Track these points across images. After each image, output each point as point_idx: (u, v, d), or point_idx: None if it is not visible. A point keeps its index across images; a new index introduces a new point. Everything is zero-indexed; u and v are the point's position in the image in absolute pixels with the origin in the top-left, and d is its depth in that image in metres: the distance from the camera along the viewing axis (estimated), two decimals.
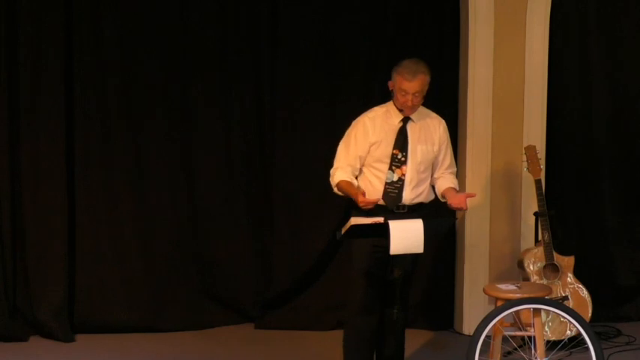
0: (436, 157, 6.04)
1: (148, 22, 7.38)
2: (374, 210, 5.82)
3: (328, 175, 6.00)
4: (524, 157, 7.09)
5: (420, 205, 5.98)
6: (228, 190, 7.59)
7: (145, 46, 7.39)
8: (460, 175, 7.40)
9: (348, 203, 6.07)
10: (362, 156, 5.95)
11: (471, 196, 6.07)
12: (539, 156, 7.10)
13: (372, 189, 5.92)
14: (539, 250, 7.05)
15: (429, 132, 6.01)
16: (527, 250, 7.14)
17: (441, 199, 6.08)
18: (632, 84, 7.74)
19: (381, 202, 5.89)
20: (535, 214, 7.10)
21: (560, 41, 7.59)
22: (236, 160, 7.60)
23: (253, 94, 7.58)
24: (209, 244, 7.59)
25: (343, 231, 5.72)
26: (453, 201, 5.95)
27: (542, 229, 7.04)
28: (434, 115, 6.09)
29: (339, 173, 5.95)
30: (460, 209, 5.99)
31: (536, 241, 7.13)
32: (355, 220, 5.75)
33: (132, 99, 7.40)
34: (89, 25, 7.29)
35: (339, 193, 5.96)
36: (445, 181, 6.07)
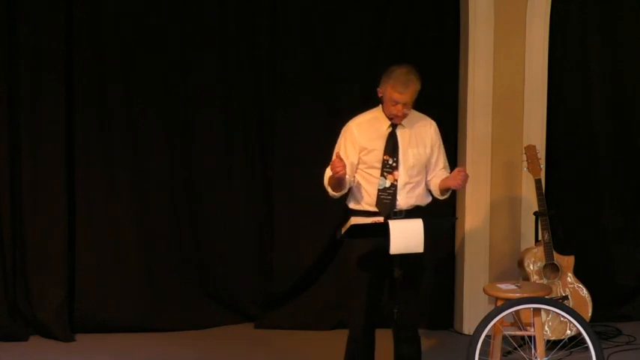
0: (429, 160, 5.93)
1: (148, 22, 7.38)
2: (373, 215, 5.80)
3: None
4: (524, 157, 7.08)
5: (417, 208, 5.90)
6: (228, 190, 7.59)
7: (145, 46, 7.39)
8: None
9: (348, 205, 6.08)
10: (353, 163, 5.86)
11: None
12: (539, 156, 7.10)
13: (367, 196, 5.87)
14: (539, 250, 7.04)
15: (419, 135, 5.90)
16: (527, 250, 7.14)
17: (442, 197, 5.98)
18: (632, 84, 7.74)
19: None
20: (535, 213, 7.10)
21: (560, 42, 7.59)
22: (236, 160, 7.60)
23: (253, 94, 7.58)
24: (209, 244, 7.59)
25: (343, 231, 5.71)
26: (449, 178, 5.81)
27: (542, 229, 7.04)
28: (423, 117, 5.98)
29: (327, 171, 5.86)
30: (461, 182, 5.75)
31: (536, 240, 7.13)
32: (355, 220, 5.74)
33: (132, 99, 7.41)
34: (89, 25, 7.29)
35: (333, 192, 5.84)
36: (439, 179, 5.94)
